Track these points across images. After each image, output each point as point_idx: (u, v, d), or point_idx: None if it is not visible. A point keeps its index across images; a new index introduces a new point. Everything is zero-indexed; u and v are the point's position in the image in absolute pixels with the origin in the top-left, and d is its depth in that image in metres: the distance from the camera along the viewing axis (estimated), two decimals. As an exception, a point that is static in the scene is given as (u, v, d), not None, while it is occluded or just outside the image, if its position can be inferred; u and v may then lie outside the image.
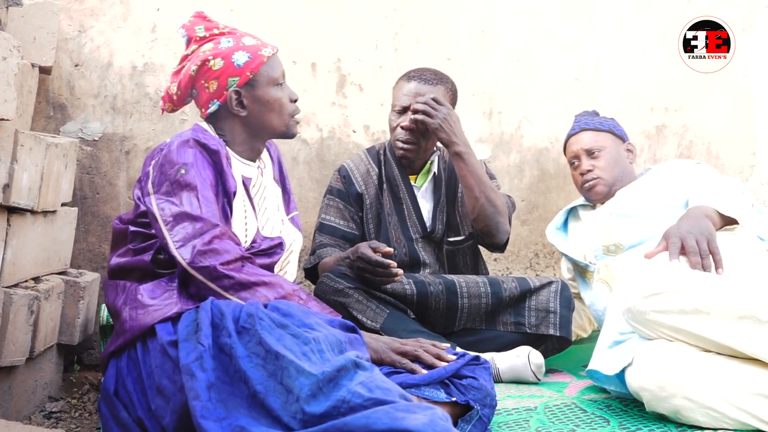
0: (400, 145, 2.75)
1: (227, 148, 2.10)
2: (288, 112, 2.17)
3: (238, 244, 1.91)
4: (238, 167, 2.10)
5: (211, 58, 2.07)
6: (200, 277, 1.82)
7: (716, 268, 2.14)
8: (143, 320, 1.82)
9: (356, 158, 2.89)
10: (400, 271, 2.45)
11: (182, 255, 1.82)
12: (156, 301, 1.84)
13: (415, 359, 1.95)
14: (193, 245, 1.82)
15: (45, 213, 2.24)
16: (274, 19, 3.05)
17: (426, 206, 2.85)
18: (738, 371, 1.91)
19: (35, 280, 2.18)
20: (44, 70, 2.60)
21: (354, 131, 3.20)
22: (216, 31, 2.14)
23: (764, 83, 3.82)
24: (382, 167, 2.85)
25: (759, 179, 3.81)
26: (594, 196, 2.91)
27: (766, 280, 2.23)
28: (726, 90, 3.77)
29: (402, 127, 2.73)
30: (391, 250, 2.45)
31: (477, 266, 2.94)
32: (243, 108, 2.12)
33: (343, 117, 3.18)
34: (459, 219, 2.87)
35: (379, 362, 1.92)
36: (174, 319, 1.80)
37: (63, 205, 2.42)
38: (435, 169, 2.86)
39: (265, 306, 1.75)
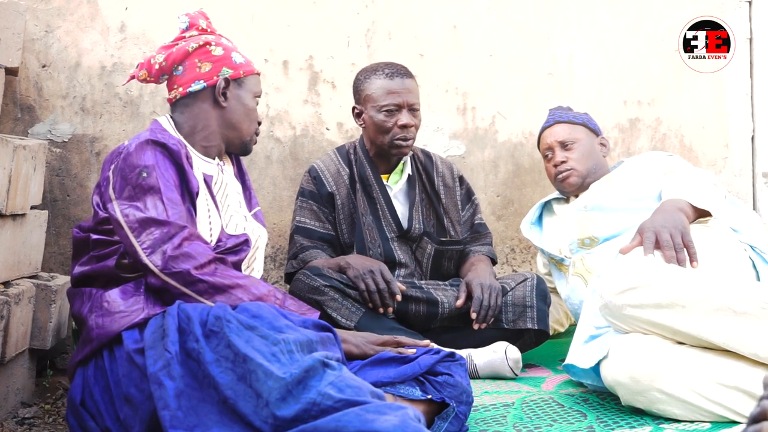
0: (404, 144, 2.74)
1: (188, 146, 2.08)
2: (255, 126, 2.23)
3: (207, 245, 1.89)
4: (199, 165, 2.07)
5: (213, 43, 2.14)
6: (174, 283, 1.78)
7: (691, 262, 2.16)
8: (110, 328, 1.78)
9: (326, 158, 2.87)
10: (399, 297, 2.55)
11: (154, 262, 1.79)
12: (122, 307, 1.80)
13: (397, 345, 1.99)
14: (164, 251, 1.79)
15: (14, 216, 2.21)
16: (244, 17, 3.03)
17: (400, 206, 2.83)
18: (712, 364, 1.92)
19: (5, 285, 2.15)
20: (11, 72, 2.56)
21: (327, 129, 3.18)
22: (217, 33, 2.22)
23: (736, 76, 3.84)
24: (354, 167, 2.82)
25: (732, 171, 3.83)
26: (567, 187, 2.90)
27: (740, 272, 2.25)
28: (698, 83, 3.78)
29: (405, 126, 2.72)
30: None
31: (460, 269, 2.90)
32: (225, 99, 2.13)
33: (316, 115, 3.17)
34: (450, 222, 2.87)
35: (362, 357, 1.93)
36: (141, 325, 1.76)
37: (33, 208, 2.39)
38: (409, 170, 2.86)
39: (234, 308, 1.73)
